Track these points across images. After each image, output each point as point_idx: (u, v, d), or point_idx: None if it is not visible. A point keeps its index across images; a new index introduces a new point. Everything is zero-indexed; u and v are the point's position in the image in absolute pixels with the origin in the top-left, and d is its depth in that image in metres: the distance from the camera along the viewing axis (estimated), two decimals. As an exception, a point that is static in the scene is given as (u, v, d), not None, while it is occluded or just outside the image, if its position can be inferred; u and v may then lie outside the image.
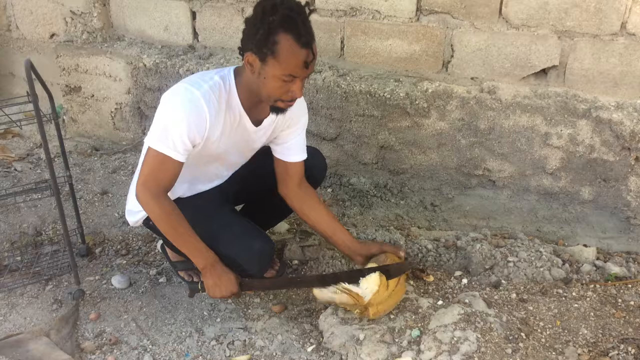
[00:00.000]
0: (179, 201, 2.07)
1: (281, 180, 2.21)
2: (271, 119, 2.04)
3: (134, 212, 2.17)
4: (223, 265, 2.00)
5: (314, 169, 2.31)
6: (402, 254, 2.17)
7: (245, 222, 2.15)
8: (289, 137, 2.14)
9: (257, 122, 2.03)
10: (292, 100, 1.89)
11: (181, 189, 2.09)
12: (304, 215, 2.23)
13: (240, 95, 1.94)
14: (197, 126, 1.86)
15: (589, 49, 2.45)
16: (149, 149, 1.89)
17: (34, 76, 2.05)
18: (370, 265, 2.08)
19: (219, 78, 1.91)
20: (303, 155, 2.19)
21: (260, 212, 2.34)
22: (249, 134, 2.05)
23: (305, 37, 1.76)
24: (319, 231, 2.26)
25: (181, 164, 1.90)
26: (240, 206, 2.45)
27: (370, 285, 2.00)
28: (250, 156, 2.21)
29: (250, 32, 1.80)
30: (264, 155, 2.21)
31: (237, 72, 1.95)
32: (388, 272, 2.05)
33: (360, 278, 2.03)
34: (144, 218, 2.15)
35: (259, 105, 1.97)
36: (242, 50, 1.86)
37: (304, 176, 2.22)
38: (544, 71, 2.58)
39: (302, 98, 2.09)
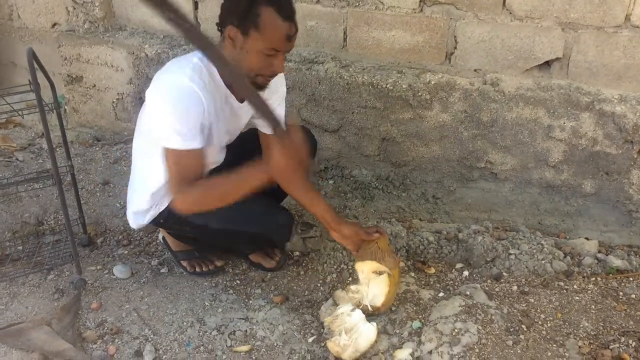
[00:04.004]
0: None
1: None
2: None
3: (141, 214, 2.17)
4: (261, 163, 1.84)
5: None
6: (376, 235, 2.13)
7: (259, 198, 2.15)
8: (272, 108, 2.13)
9: (241, 99, 2.03)
10: (272, 76, 1.90)
11: None
12: (284, 185, 2.19)
13: (220, 73, 1.92)
14: (199, 111, 1.84)
15: (593, 41, 2.44)
16: (167, 150, 1.83)
17: (36, 65, 2.05)
18: (368, 261, 2.07)
19: (197, 59, 1.88)
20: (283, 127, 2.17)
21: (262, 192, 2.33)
22: (235, 111, 2.06)
23: (287, 10, 1.78)
24: (297, 201, 2.25)
25: (202, 149, 1.86)
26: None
27: (381, 287, 2.01)
28: (237, 134, 2.21)
29: (231, 6, 1.81)
30: (250, 138, 2.23)
31: None
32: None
33: (370, 281, 2.03)
34: (152, 219, 2.17)
35: None
36: (221, 24, 1.85)
37: None
38: (547, 63, 2.57)
39: None
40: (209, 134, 1.96)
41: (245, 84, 1.66)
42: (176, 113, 1.81)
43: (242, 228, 2.07)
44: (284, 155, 1.70)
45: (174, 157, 1.83)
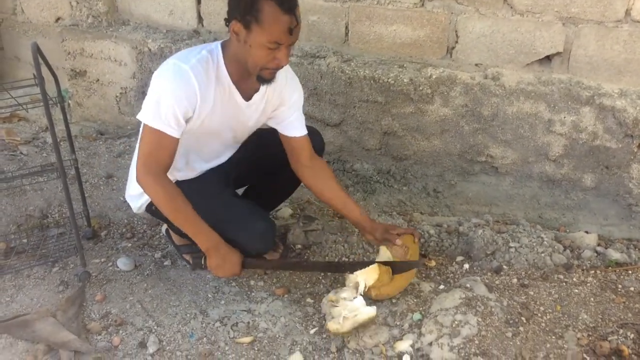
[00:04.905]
0: (178, 185, 2.10)
1: (291, 157, 2.23)
2: (261, 94, 2.06)
3: (136, 197, 2.20)
4: (227, 246, 2.03)
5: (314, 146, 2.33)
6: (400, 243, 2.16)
7: (246, 203, 2.19)
8: (287, 115, 2.16)
9: (247, 97, 2.05)
10: (278, 68, 1.91)
11: (179, 170, 2.11)
12: (316, 190, 2.26)
13: (228, 69, 1.96)
14: (188, 99, 1.89)
15: (593, 35, 2.45)
16: (144, 126, 1.91)
17: (40, 60, 2.06)
18: (382, 246, 2.13)
19: (206, 52, 1.93)
20: (303, 131, 2.21)
21: (262, 194, 2.36)
22: (240, 109, 2.07)
23: (288, 3, 1.79)
24: (331, 206, 2.30)
25: (176, 140, 1.92)
26: (242, 189, 2.48)
27: (371, 273, 2.04)
28: (246, 135, 2.23)
29: (234, 1, 1.83)
30: (264, 137, 2.25)
31: (224, 46, 1.97)
32: (394, 267, 2.09)
33: (359, 269, 2.07)
34: (147, 204, 2.18)
35: (248, 79, 1.99)
36: (228, 20, 1.88)
37: (312, 151, 2.25)
38: (548, 58, 2.58)
39: (294, 75, 2.15)
40: (202, 125, 1.99)
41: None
42: (164, 93, 1.86)
43: (221, 230, 2.06)
44: (217, 266, 2.04)
45: (146, 133, 1.92)
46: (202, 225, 2.00)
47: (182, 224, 2.01)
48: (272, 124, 2.21)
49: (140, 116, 1.92)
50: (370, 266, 2.06)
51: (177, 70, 1.87)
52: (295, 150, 2.21)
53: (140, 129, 2.00)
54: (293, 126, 2.18)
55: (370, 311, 1.94)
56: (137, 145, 2.02)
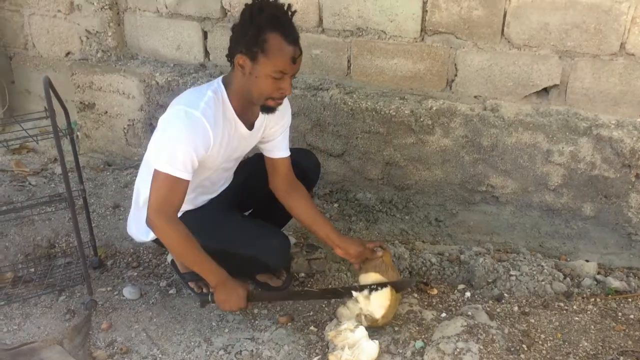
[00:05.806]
0: (187, 214, 2.14)
1: (270, 176, 2.31)
2: (261, 120, 2.15)
3: (143, 231, 2.24)
4: (233, 281, 2.07)
5: (308, 170, 2.42)
6: (379, 253, 2.22)
7: (257, 222, 2.26)
8: (275, 135, 2.24)
9: (249, 126, 2.13)
10: (282, 98, 2.00)
11: (187, 202, 2.16)
12: (289, 207, 2.31)
13: (232, 103, 2.04)
14: (204, 145, 1.96)
15: (589, 68, 2.51)
16: (158, 172, 1.94)
17: (51, 93, 2.13)
18: (372, 274, 2.13)
19: (211, 92, 2.00)
20: (287, 152, 2.28)
21: (266, 216, 2.41)
22: (244, 139, 2.15)
23: (292, 35, 1.89)
24: (301, 221, 2.35)
25: (188, 182, 1.98)
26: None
27: (382, 301, 2.06)
28: (243, 157, 2.31)
29: (239, 35, 1.92)
30: (258, 164, 2.32)
31: (226, 81, 2.05)
32: (396, 287, 2.12)
33: (373, 292, 2.09)
34: (155, 237, 2.22)
35: (249, 109, 2.08)
36: (231, 55, 1.96)
37: (296, 175, 2.32)
38: (545, 90, 2.64)
39: (286, 99, 2.20)
40: (209, 160, 2.05)
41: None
42: (179, 141, 1.92)
43: (238, 250, 2.13)
44: (224, 300, 2.07)
45: (161, 180, 1.94)
46: (210, 264, 2.04)
47: (192, 264, 2.07)
48: (259, 145, 2.29)
49: (160, 167, 1.94)
50: (382, 291, 2.07)
51: (190, 118, 1.92)
52: (275, 170, 2.28)
53: (143, 171, 2.06)
54: (277, 147, 2.26)
55: (373, 352, 1.95)
56: (145, 187, 2.07)
